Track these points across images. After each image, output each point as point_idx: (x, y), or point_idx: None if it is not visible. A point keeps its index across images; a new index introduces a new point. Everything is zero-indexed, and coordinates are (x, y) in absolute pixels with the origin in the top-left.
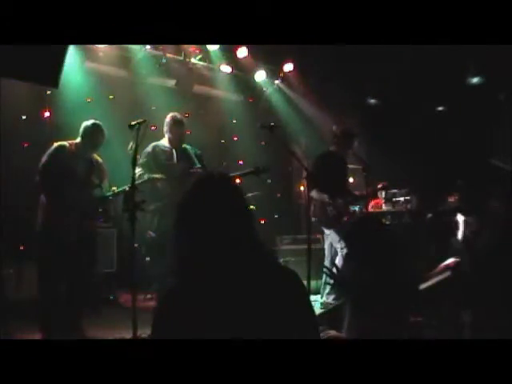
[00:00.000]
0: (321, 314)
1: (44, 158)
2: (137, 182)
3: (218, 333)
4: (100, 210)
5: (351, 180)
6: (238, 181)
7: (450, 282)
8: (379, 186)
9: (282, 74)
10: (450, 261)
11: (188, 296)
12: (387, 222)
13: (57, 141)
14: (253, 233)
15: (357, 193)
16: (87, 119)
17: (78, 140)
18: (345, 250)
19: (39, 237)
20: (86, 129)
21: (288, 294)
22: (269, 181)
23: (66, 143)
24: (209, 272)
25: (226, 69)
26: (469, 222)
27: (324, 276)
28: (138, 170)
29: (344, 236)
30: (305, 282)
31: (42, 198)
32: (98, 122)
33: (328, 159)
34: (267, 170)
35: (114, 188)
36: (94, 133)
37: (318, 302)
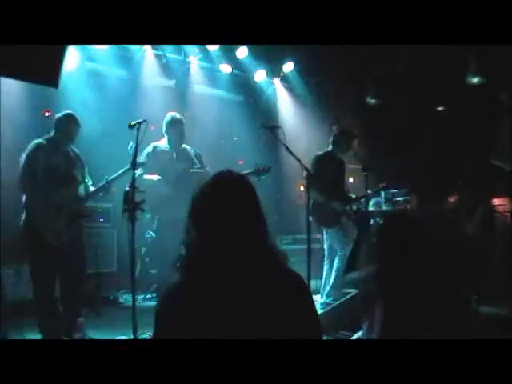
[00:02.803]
0: (320, 314)
1: (22, 161)
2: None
3: (218, 330)
4: (99, 209)
5: (351, 180)
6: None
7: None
8: (379, 186)
9: (282, 74)
10: None
11: (191, 291)
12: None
13: None
14: (263, 234)
15: (354, 195)
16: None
17: (53, 133)
18: (345, 251)
19: (27, 240)
20: (60, 121)
21: (291, 296)
22: (269, 181)
23: (41, 140)
24: (215, 268)
25: (226, 69)
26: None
27: (324, 276)
28: (137, 170)
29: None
30: None
31: (24, 199)
32: (70, 112)
33: (327, 159)
34: (268, 171)
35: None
36: (68, 124)
37: (317, 302)
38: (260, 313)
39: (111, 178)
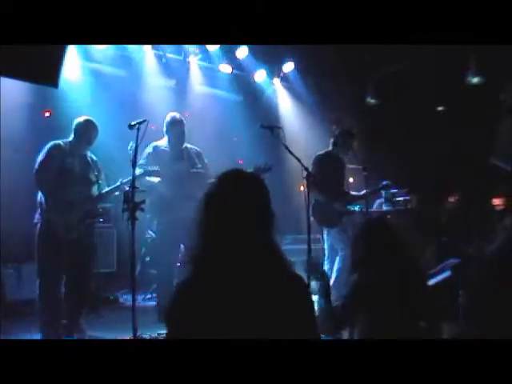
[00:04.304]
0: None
1: (40, 157)
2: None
3: (222, 329)
4: (100, 209)
5: (351, 180)
6: None
7: (450, 281)
8: (380, 186)
9: (282, 74)
10: (450, 261)
11: (199, 288)
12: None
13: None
14: (270, 235)
15: (355, 193)
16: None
17: (72, 137)
18: (346, 251)
19: (38, 236)
20: (79, 125)
21: (292, 298)
22: (269, 181)
23: (60, 142)
24: (220, 266)
25: (225, 69)
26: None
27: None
28: (138, 171)
29: (351, 240)
30: None
31: (39, 196)
32: (89, 117)
33: (328, 159)
34: (269, 169)
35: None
36: (87, 129)
37: (317, 302)
38: (263, 313)
39: (125, 180)
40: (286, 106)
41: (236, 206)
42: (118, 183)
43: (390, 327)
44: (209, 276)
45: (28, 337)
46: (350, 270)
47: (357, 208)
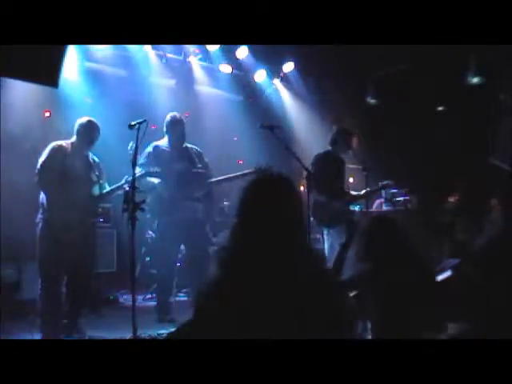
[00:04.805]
0: None
1: (42, 158)
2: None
3: (252, 328)
4: (100, 209)
5: (351, 180)
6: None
7: (451, 281)
8: (380, 186)
9: (282, 74)
10: (450, 261)
11: (231, 289)
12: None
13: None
14: (303, 234)
15: (355, 193)
16: None
17: (74, 138)
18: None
19: (39, 235)
20: (81, 126)
21: (324, 296)
22: None
23: (62, 142)
24: (255, 266)
25: (225, 69)
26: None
27: None
28: (138, 171)
29: (357, 236)
30: None
31: (41, 197)
32: (91, 118)
33: (328, 159)
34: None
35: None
36: (89, 129)
37: None
38: (297, 312)
39: (130, 178)
40: (286, 105)
41: (272, 208)
42: (123, 181)
43: (395, 325)
44: (243, 275)
45: (28, 337)
46: (355, 265)
47: (357, 208)
